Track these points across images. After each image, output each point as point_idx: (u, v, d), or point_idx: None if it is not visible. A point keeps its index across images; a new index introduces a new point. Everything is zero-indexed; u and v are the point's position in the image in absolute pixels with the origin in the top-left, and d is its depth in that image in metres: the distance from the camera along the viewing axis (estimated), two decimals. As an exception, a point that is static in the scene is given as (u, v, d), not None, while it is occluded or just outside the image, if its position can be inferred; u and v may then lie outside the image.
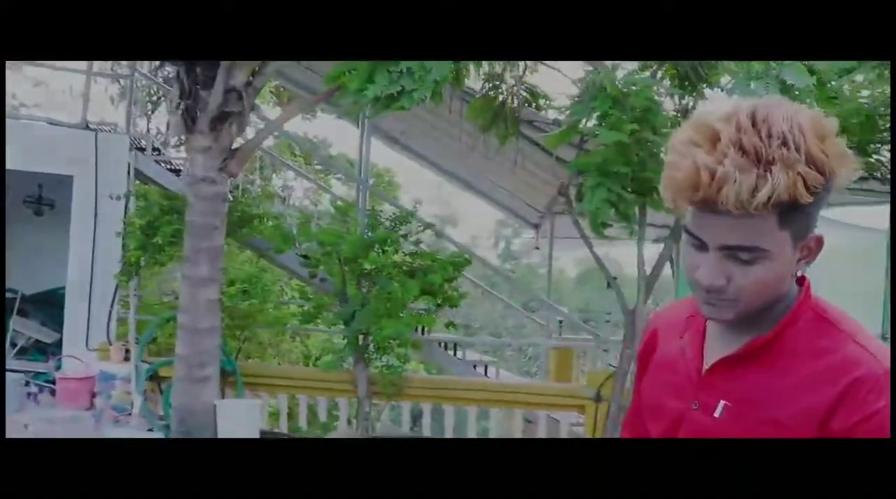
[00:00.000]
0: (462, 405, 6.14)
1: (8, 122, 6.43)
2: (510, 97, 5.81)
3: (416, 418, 6.53)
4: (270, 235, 6.17)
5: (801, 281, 1.13)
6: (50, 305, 7.89)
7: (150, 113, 11.05)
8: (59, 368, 6.65)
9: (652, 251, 5.94)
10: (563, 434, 6.04)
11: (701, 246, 1.05)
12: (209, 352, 5.41)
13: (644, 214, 5.05)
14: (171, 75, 6.47)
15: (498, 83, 5.81)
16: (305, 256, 6.41)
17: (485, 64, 5.44)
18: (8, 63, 5.92)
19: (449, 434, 6.10)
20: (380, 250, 5.93)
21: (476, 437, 6.13)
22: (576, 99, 4.99)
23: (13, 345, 7.66)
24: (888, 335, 4.74)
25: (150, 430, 5.71)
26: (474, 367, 9.09)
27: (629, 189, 4.67)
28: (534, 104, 5.92)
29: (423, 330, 7.13)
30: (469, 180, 11.00)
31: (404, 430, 6.27)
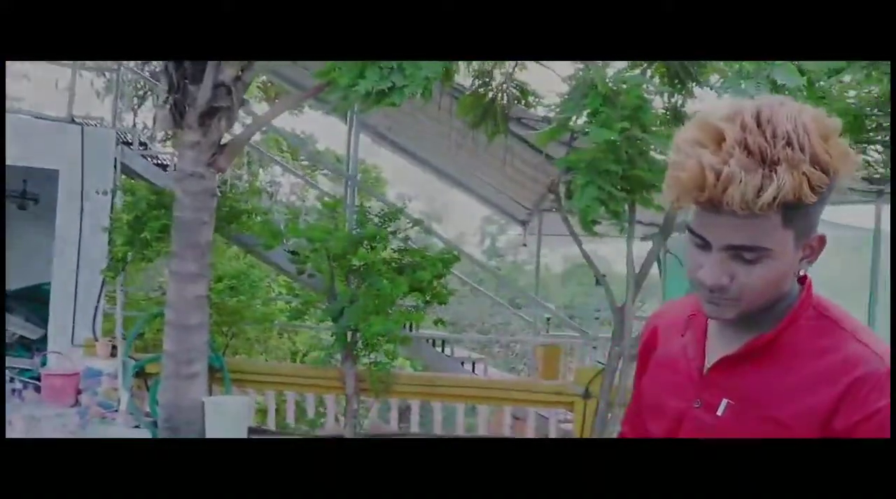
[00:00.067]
0: (450, 402, 6.14)
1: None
2: (500, 94, 5.81)
3: (405, 414, 6.53)
4: (259, 232, 6.14)
5: (802, 280, 1.13)
6: (34, 301, 7.82)
7: (136, 107, 10.96)
8: (44, 364, 6.60)
9: (640, 249, 5.97)
10: (552, 431, 6.05)
11: (704, 245, 1.05)
12: (197, 348, 5.38)
13: (633, 212, 5.06)
14: (157, 69, 6.43)
15: (488, 80, 5.81)
16: (294, 253, 6.39)
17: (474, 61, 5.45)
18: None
19: (437, 431, 6.10)
20: (368, 247, 5.92)
21: (467, 434, 6.14)
22: (566, 96, 4.99)
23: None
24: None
25: (136, 427, 5.67)
26: (462, 364, 9.10)
27: (619, 187, 4.68)
28: (523, 101, 5.92)
29: (411, 327, 7.13)
30: (457, 177, 11.00)
31: (392, 427, 6.26)
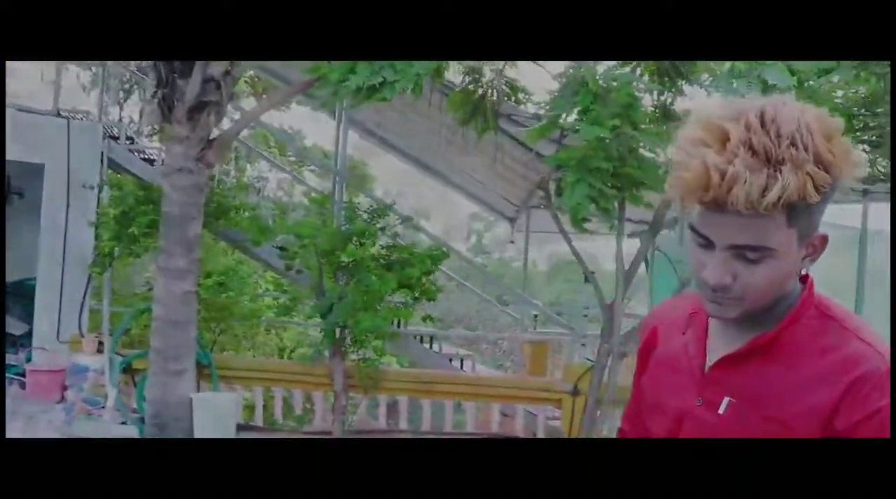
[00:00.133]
0: (439, 399, 6.14)
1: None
2: (490, 91, 5.80)
3: (393, 411, 6.52)
4: (248, 227, 6.10)
5: (804, 279, 1.14)
6: (19, 296, 7.74)
7: (122, 101, 10.87)
8: (29, 360, 6.54)
9: (628, 246, 5.99)
10: (540, 428, 6.07)
11: (708, 245, 1.06)
12: (185, 345, 5.35)
13: (623, 210, 5.07)
14: (145, 64, 6.37)
15: (478, 77, 5.80)
16: (282, 249, 6.36)
17: (465, 57, 5.43)
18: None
19: (426, 428, 6.10)
20: (357, 243, 5.91)
21: (455, 430, 6.14)
22: (556, 94, 5.00)
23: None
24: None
25: (123, 423, 5.64)
26: (450, 360, 9.10)
27: (609, 184, 4.69)
28: (513, 98, 5.92)
29: (399, 323, 7.13)
30: (445, 173, 10.99)
31: (381, 423, 6.26)
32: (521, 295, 9.92)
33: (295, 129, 17.24)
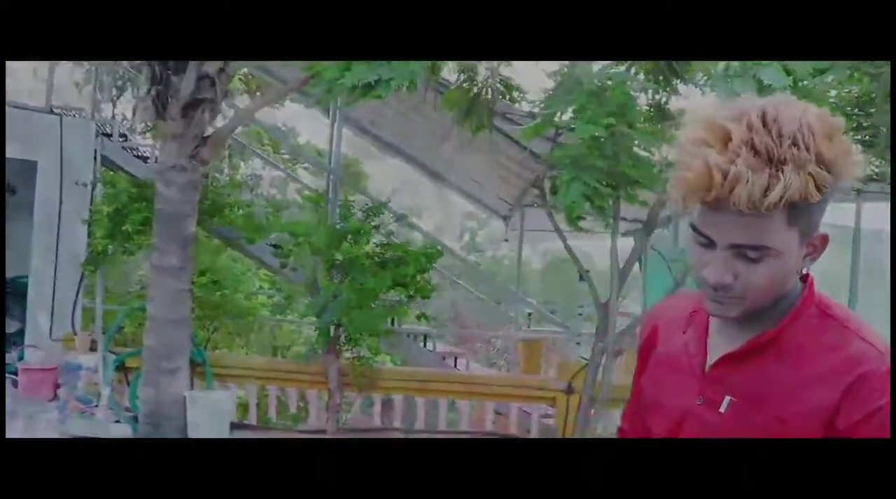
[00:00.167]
0: (433, 397, 6.14)
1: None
2: (484, 89, 5.80)
3: (387, 409, 6.51)
4: (243, 225, 6.09)
5: (804, 278, 1.14)
6: (11, 294, 7.70)
7: (115, 98, 10.83)
8: (21, 358, 6.51)
9: (622, 245, 5.99)
10: (534, 426, 6.07)
11: (709, 244, 1.06)
12: (178, 343, 5.33)
13: (618, 208, 5.08)
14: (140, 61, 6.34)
15: (473, 75, 5.80)
16: (276, 246, 6.35)
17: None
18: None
19: (420, 426, 6.10)
20: (352, 241, 5.90)
21: (448, 428, 6.14)
22: (550, 92, 5.00)
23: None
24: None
25: (116, 422, 5.62)
26: (444, 359, 9.10)
27: (604, 183, 4.69)
28: (508, 96, 5.91)
29: (393, 321, 7.12)
30: (439, 171, 10.98)
31: (375, 421, 6.25)
32: (514, 293, 9.92)
33: (289, 126, 17.20)
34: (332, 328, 5.80)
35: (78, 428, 5.44)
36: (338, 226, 6.11)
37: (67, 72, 10.60)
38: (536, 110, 5.39)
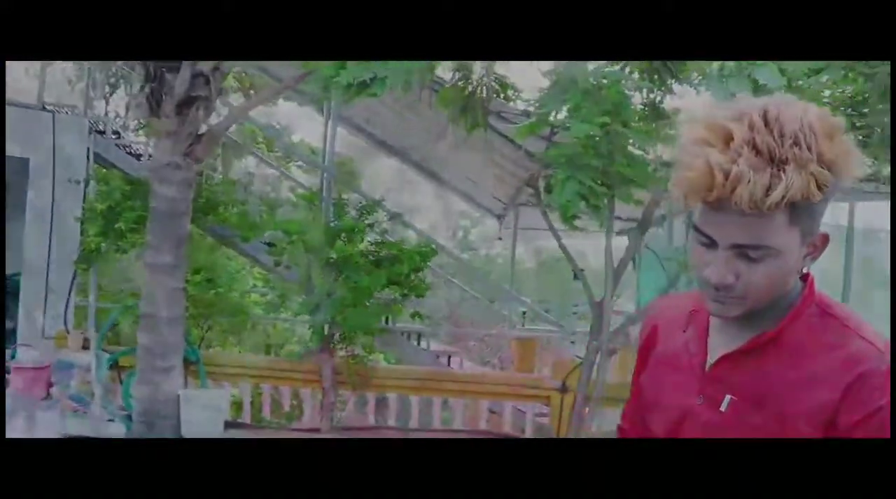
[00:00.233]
0: (428, 395, 6.14)
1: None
2: (480, 87, 5.79)
3: (381, 407, 6.51)
4: (237, 223, 6.07)
5: (805, 277, 1.14)
6: (3, 292, 7.66)
7: (108, 95, 10.77)
8: (13, 357, 6.46)
9: (616, 243, 5.99)
10: (528, 425, 6.08)
11: (711, 244, 1.06)
12: (172, 341, 5.31)
13: (612, 207, 5.08)
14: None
15: (467, 73, 5.79)
16: (270, 244, 6.34)
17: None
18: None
19: (414, 425, 6.10)
20: (346, 240, 5.89)
21: (442, 427, 6.14)
22: (545, 91, 4.99)
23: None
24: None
25: (110, 420, 5.59)
26: (437, 357, 9.10)
27: (599, 182, 4.69)
28: (502, 95, 5.91)
29: (387, 320, 7.11)
30: (434, 170, 10.97)
31: (369, 420, 6.25)
32: (508, 292, 9.92)
33: (283, 124, 17.14)
34: (326, 327, 5.79)
35: (71, 427, 5.42)
36: (332, 224, 6.11)
37: (60, 68, 10.54)
38: (531, 109, 5.39)
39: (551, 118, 5.00)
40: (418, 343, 9.19)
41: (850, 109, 5.10)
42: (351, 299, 5.68)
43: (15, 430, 5.15)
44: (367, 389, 6.02)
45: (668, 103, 5.29)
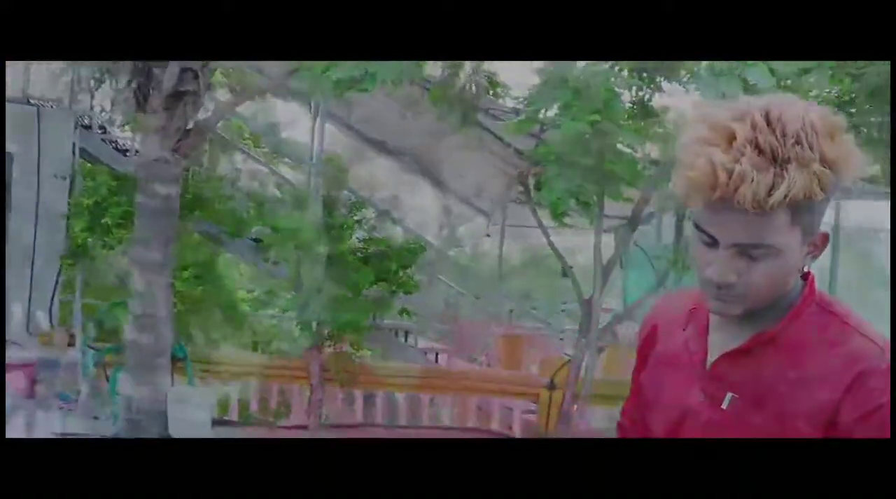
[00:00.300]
0: (416, 393, 6.14)
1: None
2: (469, 85, 5.79)
3: (369, 405, 6.50)
4: (225, 219, 6.04)
5: (805, 276, 1.15)
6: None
7: (94, 89, 10.66)
8: (-3, 353, 6.40)
9: (606, 241, 6.01)
10: (516, 422, 6.09)
11: (712, 243, 1.06)
12: (160, 338, 5.28)
13: (602, 205, 5.10)
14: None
15: (457, 69, 5.78)
16: (258, 241, 6.31)
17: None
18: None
19: (402, 422, 6.10)
20: (335, 236, 5.88)
21: (430, 424, 6.14)
22: (535, 89, 5.00)
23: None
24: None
25: (96, 418, 5.56)
26: (425, 354, 9.10)
27: (589, 179, 4.71)
28: (492, 92, 5.91)
29: (374, 316, 7.10)
30: (421, 167, 10.95)
31: (357, 417, 6.24)
32: (496, 289, 9.92)
33: (271, 120, 17.05)
34: (314, 323, 5.78)
35: (57, 425, 5.38)
36: (320, 221, 6.08)
37: (45, 62, 10.42)
38: (521, 107, 5.39)
39: (541, 116, 5.01)
40: (406, 340, 9.18)
41: (836, 109, 5.13)
42: (339, 296, 5.66)
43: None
44: (355, 386, 6.01)
45: (657, 101, 5.31)
